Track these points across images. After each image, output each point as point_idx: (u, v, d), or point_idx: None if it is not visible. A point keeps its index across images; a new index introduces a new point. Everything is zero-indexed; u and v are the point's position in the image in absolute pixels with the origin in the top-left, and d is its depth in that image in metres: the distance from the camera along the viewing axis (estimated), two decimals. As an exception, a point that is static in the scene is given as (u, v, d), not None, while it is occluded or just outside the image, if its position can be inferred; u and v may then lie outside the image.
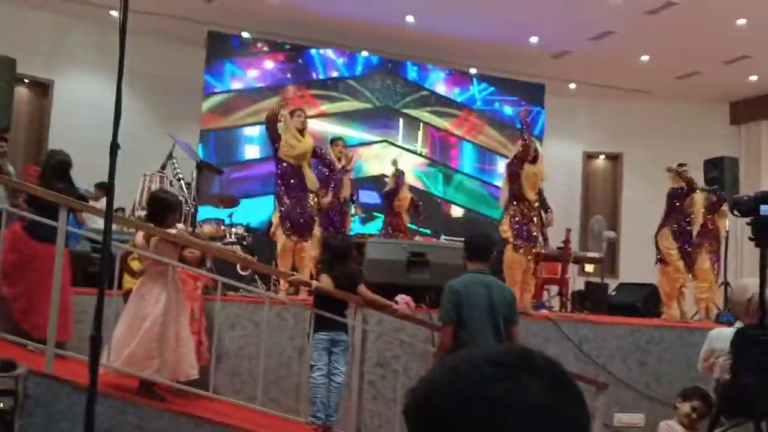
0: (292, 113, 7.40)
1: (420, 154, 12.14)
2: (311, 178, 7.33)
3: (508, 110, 12.52)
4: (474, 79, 12.44)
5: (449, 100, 12.31)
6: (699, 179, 9.07)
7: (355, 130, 11.63)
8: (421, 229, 10.13)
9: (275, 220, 7.30)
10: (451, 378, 0.88)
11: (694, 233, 8.47)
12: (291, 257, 7.10)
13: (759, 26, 9.68)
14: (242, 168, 11.10)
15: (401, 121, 12.01)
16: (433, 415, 0.87)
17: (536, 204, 7.46)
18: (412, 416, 0.90)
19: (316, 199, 7.57)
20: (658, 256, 8.41)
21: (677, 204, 8.40)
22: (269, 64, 11.43)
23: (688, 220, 8.40)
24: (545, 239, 8.13)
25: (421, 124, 12.14)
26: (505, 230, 7.27)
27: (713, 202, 8.74)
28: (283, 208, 7.17)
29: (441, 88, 12.27)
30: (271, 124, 7.29)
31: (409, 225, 9.68)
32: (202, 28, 10.68)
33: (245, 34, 11.18)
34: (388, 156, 11.32)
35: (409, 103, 12.04)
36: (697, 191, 8.50)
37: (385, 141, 11.93)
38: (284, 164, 7.23)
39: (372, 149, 11.84)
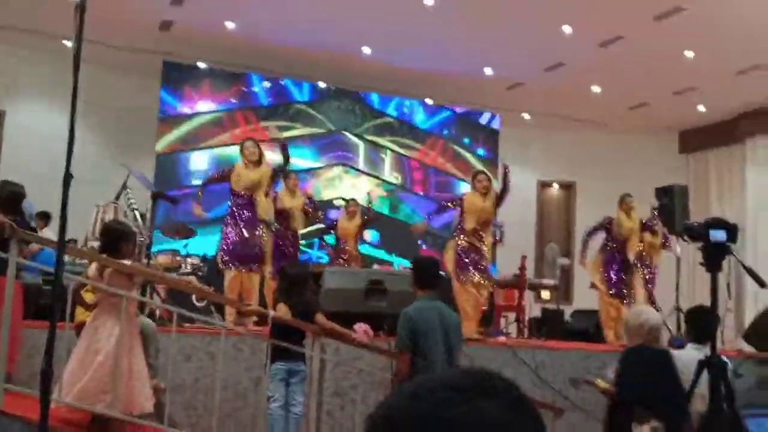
0: (241, 146, 7.46)
1: (385, 180, 12.20)
2: (264, 207, 7.32)
3: (466, 139, 12.72)
4: (432, 109, 12.60)
5: (412, 127, 12.43)
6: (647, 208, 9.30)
7: (307, 159, 11.68)
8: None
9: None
10: (408, 403, 0.88)
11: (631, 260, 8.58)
12: (237, 288, 7.08)
13: (706, 58, 10.01)
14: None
15: (362, 146, 12.09)
16: None
17: (482, 234, 7.55)
18: None
19: (265, 230, 7.50)
20: (592, 282, 8.61)
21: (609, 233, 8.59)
22: (225, 94, 11.42)
23: (618, 247, 8.51)
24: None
25: (388, 151, 12.22)
26: (448, 260, 7.41)
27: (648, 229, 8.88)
28: (229, 239, 7.16)
29: (401, 116, 12.41)
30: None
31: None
32: (157, 58, 10.64)
33: (201, 64, 11.16)
34: (343, 180, 11.45)
35: (369, 129, 12.13)
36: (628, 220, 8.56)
37: (343, 165, 11.98)
38: (235, 196, 7.25)
39: (327, 174, 11.89)
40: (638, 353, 4.48)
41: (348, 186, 11.88)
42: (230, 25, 9.93)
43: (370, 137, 12.15)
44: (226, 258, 7.13)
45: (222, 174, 7.64)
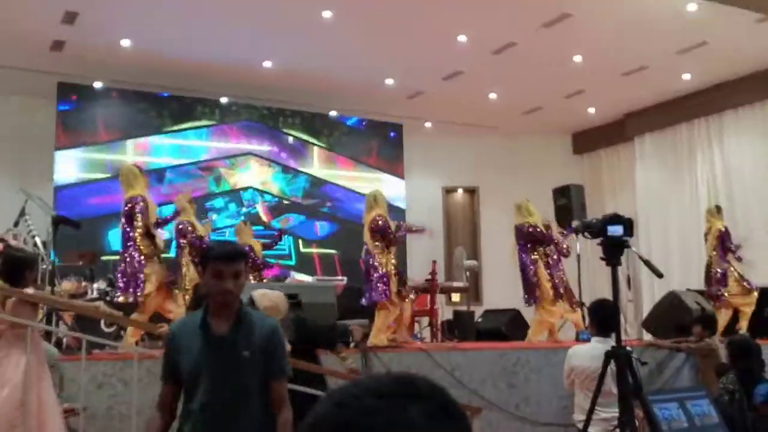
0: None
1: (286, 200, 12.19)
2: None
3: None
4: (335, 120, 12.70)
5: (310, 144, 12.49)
6: (549, 207, 9.64)
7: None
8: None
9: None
10: (334, 410, 0.88)
11: None
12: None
13: (593, 62, 10.47)
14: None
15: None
16: None
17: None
18: None
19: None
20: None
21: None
22: (125, 114, 11.15)
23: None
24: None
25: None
26: None
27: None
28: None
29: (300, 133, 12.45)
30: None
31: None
32: (51, 79, 10.29)
33: (97, 84, 10.85)
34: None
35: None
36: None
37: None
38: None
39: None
40: None
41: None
42: (126, 42, 9.71)
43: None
44: None
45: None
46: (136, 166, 7.39)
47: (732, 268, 8.96)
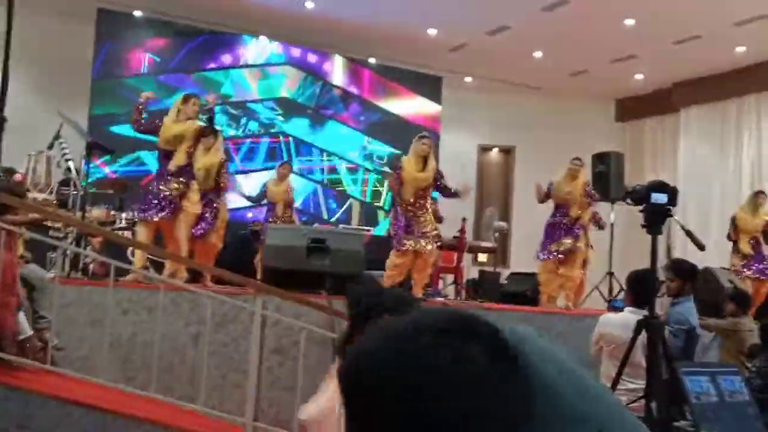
0: (185, 99, 7.05)
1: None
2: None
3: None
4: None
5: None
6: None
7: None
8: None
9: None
10: (391, 345, 0.83)
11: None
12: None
13: (645, 26, 10.14)
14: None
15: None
16: (372, 385, 0.82)
17: (421, 203, 7.49)
18: (350, 385, 0.85)
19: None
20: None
21: None
22: (161, 45, 11.05)
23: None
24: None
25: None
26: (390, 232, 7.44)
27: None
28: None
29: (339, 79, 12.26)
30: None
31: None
32: (91, 4, 10.20)
33: (137, 13, 10.75)
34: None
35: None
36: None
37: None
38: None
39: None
40: None
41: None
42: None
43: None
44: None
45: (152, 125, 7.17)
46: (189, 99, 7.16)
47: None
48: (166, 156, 6.80)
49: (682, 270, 5.43)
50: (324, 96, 12.02)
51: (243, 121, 11.51)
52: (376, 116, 12.41)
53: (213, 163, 7.59)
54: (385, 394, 0.80)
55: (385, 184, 7.89)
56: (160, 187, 6.70)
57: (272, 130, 11.68)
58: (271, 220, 8.70)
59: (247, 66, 11.54)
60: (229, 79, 11.43)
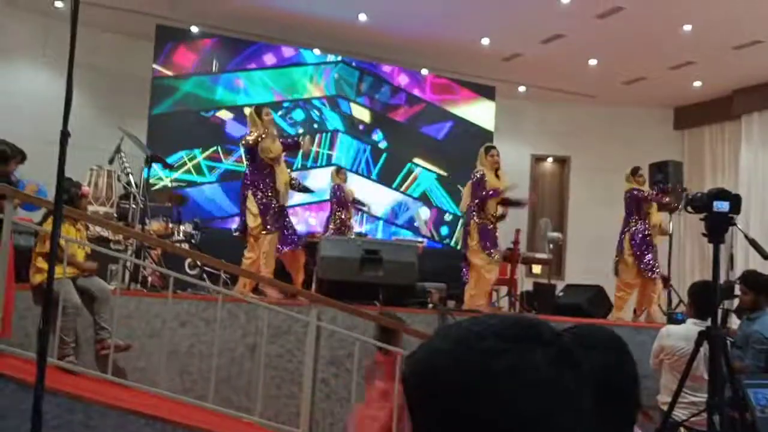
0: (258, 111, 7.38)
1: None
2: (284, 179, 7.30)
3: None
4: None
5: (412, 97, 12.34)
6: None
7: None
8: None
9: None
10: (454, 348, 0.83)
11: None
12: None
13: (704, 33, 9.91)
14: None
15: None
16: (434, 385, 0.83)
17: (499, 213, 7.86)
18: (413, 384, 0.86)
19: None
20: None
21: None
22: (218, 60, 11.23)
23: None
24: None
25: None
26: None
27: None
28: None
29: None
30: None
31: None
32: (151, 21, 10.45)
33: (194, 29, 10.97)
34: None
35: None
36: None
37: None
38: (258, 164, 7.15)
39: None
40: None
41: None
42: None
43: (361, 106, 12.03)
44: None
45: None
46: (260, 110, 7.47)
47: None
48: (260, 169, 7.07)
49: (757, 283, 5.21)
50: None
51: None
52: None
53: (287, 180, 7.79)
54: (446, 398, 0.81)
55: (463, 195, 8.10)
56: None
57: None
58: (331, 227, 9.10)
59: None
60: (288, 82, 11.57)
